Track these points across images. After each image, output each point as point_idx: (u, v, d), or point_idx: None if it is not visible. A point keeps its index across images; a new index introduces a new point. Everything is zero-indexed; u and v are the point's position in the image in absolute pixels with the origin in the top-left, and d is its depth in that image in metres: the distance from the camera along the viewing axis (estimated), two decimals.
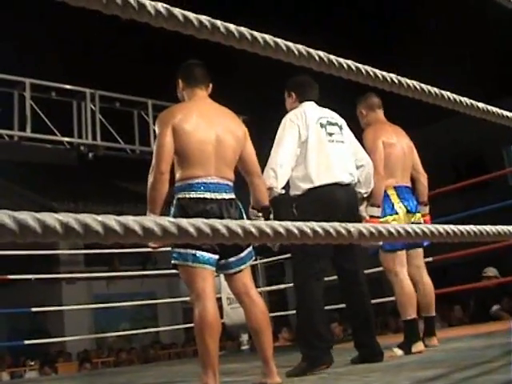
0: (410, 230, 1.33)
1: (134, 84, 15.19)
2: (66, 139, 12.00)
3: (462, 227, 1.49)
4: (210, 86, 3.95)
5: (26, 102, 11.25)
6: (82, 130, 11.99)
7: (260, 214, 3.90)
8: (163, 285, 21.46)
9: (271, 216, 3.93)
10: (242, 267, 3.74)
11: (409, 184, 5.21)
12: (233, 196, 3.71)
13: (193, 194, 3.58)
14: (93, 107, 12.16)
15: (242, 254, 3.71)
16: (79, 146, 12.09)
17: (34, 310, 8.88)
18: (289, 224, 1.07)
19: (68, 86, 12.15)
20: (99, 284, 20.40)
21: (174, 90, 4.08)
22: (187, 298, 3.75)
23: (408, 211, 5.01)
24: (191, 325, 3.57)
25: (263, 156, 4.36)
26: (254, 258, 3.88)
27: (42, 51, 20.75)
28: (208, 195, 3.59)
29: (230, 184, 3.73)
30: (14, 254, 7.90)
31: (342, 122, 4.74)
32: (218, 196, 3.62)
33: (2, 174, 21.60)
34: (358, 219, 4.59)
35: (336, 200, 4.40)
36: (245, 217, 3.77)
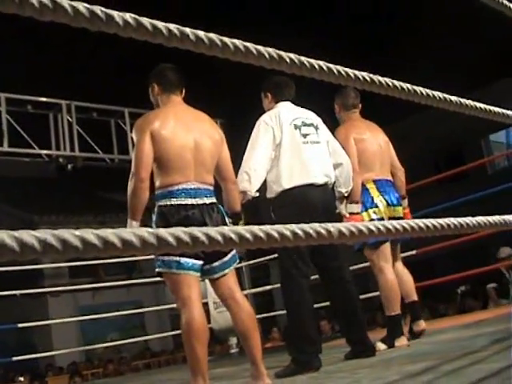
0: (391, 227, 1.34)
1: (110, 93, 15.15)
2: (44, 152, 11.95)
3: (442, 221, 1.50)
4: (184, 90, 3.93)
5: (1, 117, 11.18)
6: (59, 142, 11.93)
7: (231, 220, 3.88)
8: (149, 292, 21.41)
9: (241, 222, 3.91)
10: (227, 271, 3.73)
11: (389, 177, 5.22)
12: (214, 200, 3.70)
13: (174, 201, 3.57)
14: (69, 118, 12.10)
15: (226, 258, 3.70)
16: (58, 158, 12.02)
17: (20, 325, 8.81)
18: (268, 228, 1.07)
19: (43, 99, 12.10)
20: (85, 295, 20.32)
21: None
22: (174, 305, 3.74)
23: (388, 204, 5.03)
24: (179, 331, 3.56)
25: (240, 159, 4.36)
26: (237, 261, 3.87)
27: (16, 65, 20.64)
28: (189, 201, 3.58)
29: (211, 188, 3.73)
30: None
31: (318, 121, 4.73)
32: (200, 201, 3.61)
33: None
34: (336, 219, 4.58)
35: (310, 201, 4.39)
36: (227, 220, 3.77)
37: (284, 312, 4.56)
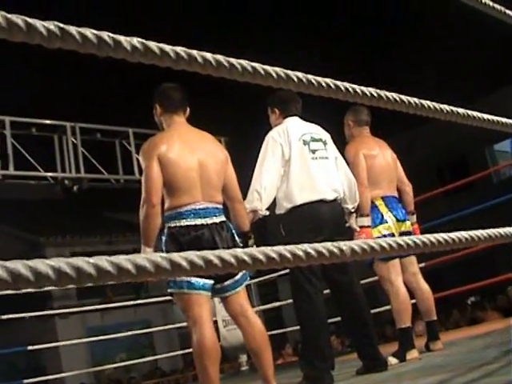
0: (402, 243, 1.33)
1: (114, 114, 15.19)
2: (50, 174, 11.96)
3: (453, 235, 1.49)
4: (188, 109, 3.93)
5: (6, 140, 11.21)
6: (64, 164, 11.95)
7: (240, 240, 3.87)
8: (158, 312, 21.38)
9: (250, 242, 3.89)
10: (238, 289, 3.72)
11: (395, 194, 5.24)
12: (223, 219, 3.70)
13: (183, 222, 3.57)
14: (74, 140, 12.13)
15: (237, 277, 3.69)
16: (63, 180, 12.04)
17: (30, 348, 8.79)
18: (281, 248, 1.07)
19: (48, 121, 12.13)
20: (93, 316, 20.28)
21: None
22: (183, 324, 3.73)
23: (397, 220, 5.04)
24: (189, 350, 3.56)
25: (244, 176, 4.35)
26: (248, 278, 3.86)
27: (19, 88, 20.71)
28: (198, 221, 3.58)
29: (220, 207, 3.72)
30: (6, 294, 7.83)
31: (326, 136, 4.73)
32: (209, 221, 3.60)
33: None
34: (346, 234, 4.58)
35: (321, 217, 4.39)
36: (237, 238, 3.75)
37: (295, 328, 4.55)
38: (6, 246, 20.65)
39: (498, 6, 2.28)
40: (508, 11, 2.34)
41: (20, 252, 18.98)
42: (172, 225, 3.60)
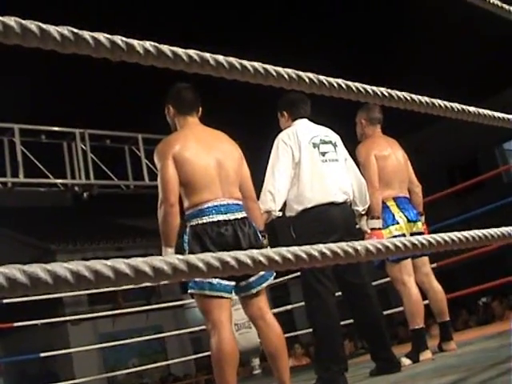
0: (417, 242, 1.33)
1: (123, 120, 15.22)
2: (60, 181, 12.00)
3: (466, 233, 1.49)
4: (200, 109, 3.90)
5: (16, 148, 11.25)
6: (74, 171, 11.99)
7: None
8: (169, 317, 21.38)
9: (265, 242, 3.86)
10: (264, 285, 3.68)
11: (407, 195, 5.22)
12: (245, 215, 3.65)
13: (205, 219, 3.53)
14: (83, 147, 12.16)
15: (263, 272, 3.62)
16: (73, 187, 12.08)
17: (42, 355, 8.80)
18: (296, 249, 1.07)
19: (57, 128, 12.17)
20: (105, 322, 20.31)
21: (164, 122, 4.04)
22: (195, 329, 3.72)
23: (409, 220, 5.02)
24: (201, 355, 3.55)
25: (254, 179, 4.34)
26: (274, 274, 3.82)
27: (28, 95, 20.79)
28: (221, 217, 3.54)
29: (240, 203, 3.68)
30: (18, 301, 7.85)
31: (336, 138, 4.72)
32: (231, 216, 3.57)
33: None
34: (356, 236, 4.57)
35: (331, 219, 4.38)
36: (259, 234, 3.71)
37: (306, 331, 4.55)
38: (17, 253, 20.74)
39: (506, 6, 2.27)
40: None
41: (32, 259, 19.00)
42: (194, 223, 3.56)
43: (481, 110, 1.87)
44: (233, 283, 3.55)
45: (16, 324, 8.26)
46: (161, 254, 3.60)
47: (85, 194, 12.10)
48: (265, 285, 3.69)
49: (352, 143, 5.14)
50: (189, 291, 3.58)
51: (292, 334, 10.03)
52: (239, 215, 3.61)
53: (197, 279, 3.46)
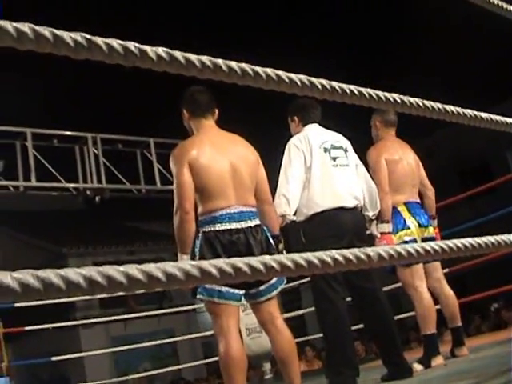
0: (429, 249, 1.33)
1: (135, 124, 15.27)
2: (72, 185, 12.03)
3: (479, 239, 1.49)
4: (217, 112, 3.89)
5: (28, 152, 11.29)
6: (86, 175, 12.02)
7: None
8: (181, 321, 21.38)
9: (281, 246, 3.85)
10: (274, 293, 3.68)
11: (418, 199, 5.20)
12: (258, 222, 3.66)
13: (218, 226, 3.54)
14: (95, 151, 12.19)
15: (272, 281, 3.63)
16: (85, 191, 12.11)
17: (54, 358, 8.83)
18: (309, 255, 1.07)
19: (69, 133, 12.21)
20: (116, 326, 20.32)
21: (175, 126, 4.04)
22: (206, 333, 3.72)
23: (420, 225, 5.01)
24: (213, 359, 3.56)
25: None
26: (284, 282, 3.82)
27: (41, 100, 20.88)
28: (234, 225, 3.55)
29: (254, 210, 3.68)
30: (30, 305, 7.88)
31: (346, 144, 4.73)
32: (244, 224, 3.57)
33: (9, 224, 21.68)
34: (367, 241, 4.57)
35: (342, 224, 4.38)
36: (271, 241, 3.71)
37: (318, 335, 4.54)
38: (29, 257, 20.80)
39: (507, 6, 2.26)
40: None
41: (44, 262, 19.04)
42: (207, 229, 3.57)
43: (493, 116, 1.87)
44: (242, 291, 3.55)
45: (27, 328, 8.29)
46: (173, 258, 3.60)
47: (96, 198, 12.12)
48: (274, 293, 3.68)
49: (362, 149, 5.13)
50: (198, 296, 3.59)
51: (303, 338, 10.02)
52: (252, 223, 3.61)
53: (206, 285, 3.47)
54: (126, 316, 13.20)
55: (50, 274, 0.80)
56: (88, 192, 12.10)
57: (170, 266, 0.89)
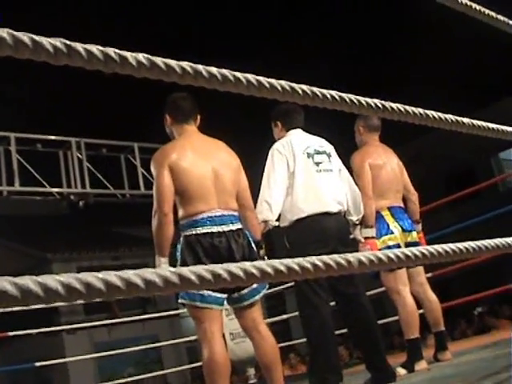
0: (410, 254, 1.33)
1: (119, 129, 15.22)
2: (56, 190, 11.99)
3: (460, 245, 1.49)
4: (199, 117, 3.91)
5: (12, 156, 11.24)
6: (70, 180, 11.98)
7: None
8: (165, 326, 21.33)
9: (262, 252, 3.86)
10: (257, 298, 3.68)
11: (401, 204, 5.22)
12: (240, 226, 3.67)
13: (199, 230, 3.54)
14: (79, 155, 12.16)
15: (255, 285, 3.62)
16: (69, 196, 12.07)
17: (37, 364, 8.77)
18: (289, 261, 1.07)
19: (53, 137, 12.16)
20: (100, 331, 20.25)
21: (160, 131, 4.05)
22: (191, 338, 3.72)
23: (404, 230, 5.02)
24: (197, 364, 3.56)
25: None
26: (267, 287, 3.83)
27: (24, 104, 20.79)
28: (215, 229, 3.55)
29: (236, 214, 3.69)
30: (13, 311, 7.83)
31: (330, 149, 4.73)
32: (225, 228, 3.58)
33: None
34: (351, 246, 4.57)
35: (325, 229, 4.38)
36: (253, 245, 3.72)
37: (302, 340, 4.54)
38: (13, 262, 20.68)
39: (501, 17, 2.28)
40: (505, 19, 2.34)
41: (27, 268, 18.96)
42: (188, 233, 3.57)
43: (475, 121, 1.87)
44: (225, 295, 3.55)
45: (11, 333, 8.23)
46: None
47: (81, 203, 12.09)
48: (257, 297, 3.69)
49: (347, 154, 5.14)
50: (179, 301, 3.59)
51: (288, 343, 10.02)
52: (234, 227, 3.61)
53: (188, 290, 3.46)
54: (110, 321, 13.15)
55: (28, 281, 0.80)
56: (72, 197, 12.07)
57: (149, 273, 0.89)
